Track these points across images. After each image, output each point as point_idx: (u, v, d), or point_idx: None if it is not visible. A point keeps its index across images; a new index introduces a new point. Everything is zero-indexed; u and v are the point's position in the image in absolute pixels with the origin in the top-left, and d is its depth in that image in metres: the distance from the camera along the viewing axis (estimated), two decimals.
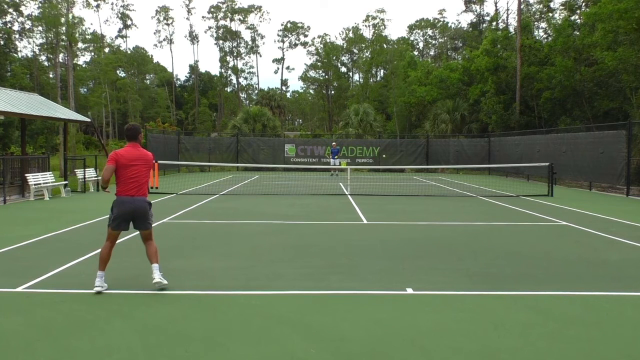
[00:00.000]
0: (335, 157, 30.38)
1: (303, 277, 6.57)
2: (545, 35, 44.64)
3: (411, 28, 78.26)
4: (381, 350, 4.19)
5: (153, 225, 6.11)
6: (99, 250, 7.92)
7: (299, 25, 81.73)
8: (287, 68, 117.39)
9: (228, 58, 79.41)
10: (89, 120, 22.68)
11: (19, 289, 5.87)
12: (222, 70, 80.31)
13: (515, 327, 4.74)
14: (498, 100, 34.16)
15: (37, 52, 64.99)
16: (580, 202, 15.77)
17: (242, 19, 79.73)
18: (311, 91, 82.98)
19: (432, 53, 78.04)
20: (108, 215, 6.08)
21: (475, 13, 69.44)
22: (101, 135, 67.33)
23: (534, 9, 51.93)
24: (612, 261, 7.53)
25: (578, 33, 30.59)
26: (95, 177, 19.66)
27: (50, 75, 64.10)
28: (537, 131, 27.65)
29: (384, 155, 34.37)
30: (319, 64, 76.27)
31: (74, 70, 49.88)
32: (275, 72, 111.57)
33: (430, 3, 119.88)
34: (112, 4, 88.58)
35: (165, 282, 5.83)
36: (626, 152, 17.95)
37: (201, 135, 49.73)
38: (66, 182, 17.69)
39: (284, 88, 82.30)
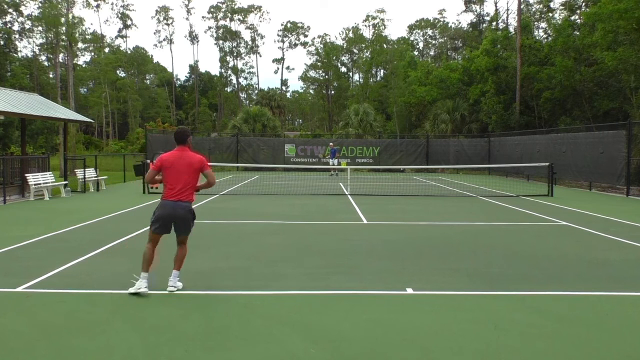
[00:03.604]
0: (334, 157, 30.35)
1: (303, 277, 6.57)
2: (545, 35, 44.67)
3: (411, 28, 78.34)
4: (381, 351, 4.19)
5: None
6: (99, 250, 7.96)
7: (299, 25, 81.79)
8: (287, 68, 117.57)
9: (228, 58, 79.46)
10: (89, 120, 22.68)
11: (19, 289, 5.87)
12: (222, 70, 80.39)
13: (515, 327, 4.74)
14: (498, 100, 34.17)
15: (37, 52, 65.05)
16: (580, 202, 15.77)
17: (242, 19, 79.78)
18: (311, 91, 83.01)
19: (432, 53, 78.08)
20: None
21: (475, 13, 69.50)
22: (101, 135, 67.38)
23: (534, 9, 51.99)
24: (612, 261, 7.53)
25: (578, 33, 30.61)
26: (95, 177, 19.66)
27: (50, 75, 64.12)
28: (537, 131, 27.64)
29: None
30: (319, 64, 76.29)
31: (74, 70, 49.89)
32: (275, 72, 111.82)
33: (430, 3, 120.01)
34: (112, 4, 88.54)
35: (179, 286, 5.81)
36: (626, 152, 17.95)
37: (201, 135, 49.72)
38: (66, 182, 17.69)
39: (284, 88, 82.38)
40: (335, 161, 30.18)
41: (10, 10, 54.88)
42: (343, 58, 75.29)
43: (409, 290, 5.91)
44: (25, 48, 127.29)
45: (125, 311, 5.15)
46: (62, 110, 20.84)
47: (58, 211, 12.97)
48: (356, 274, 6.72)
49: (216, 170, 33.44)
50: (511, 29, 44.17)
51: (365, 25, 75.52)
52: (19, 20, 56.95)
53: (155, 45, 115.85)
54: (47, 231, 9.67)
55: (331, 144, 32.05)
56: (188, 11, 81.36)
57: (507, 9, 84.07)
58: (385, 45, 65.21)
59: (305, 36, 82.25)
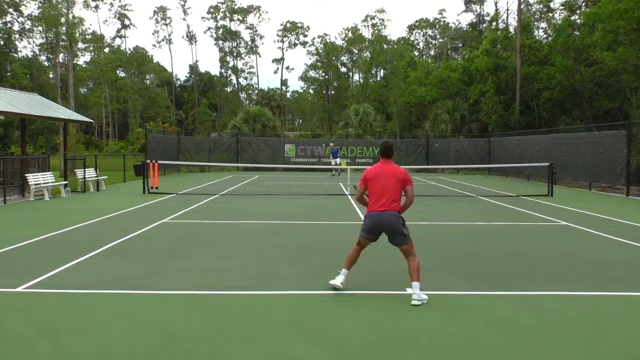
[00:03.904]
0: (336, 157, 30.20)
1: (303, 277, 6.57)
2: (545, 35, 44.67)
3: (411, 28, 78.33)
4: (381, 351, 4.19)
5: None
6: (99, 250, 7.96)
7: (299, 25, 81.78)
8: (287, 68, 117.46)
9: (228, 58, 79.46)
10: (89, 120, 22.68)
11: (19, 289, 5.87)
12: (222, 70, 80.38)
13: (515, 327, 4.74)
14: (498, 100, 34.17)
15: (37, 52, 65.07)
16: (580, 202, 15.77)
17: (241, 19, 79.76)
18: (311, 91, 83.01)
19: (432, 53, 78.10)
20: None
21: (475, 13, 69.54)
22: (101, 135, 67.36)
23: (534, 9, 51.98)
24: (612, 261, 7.53)
25: (578, 33, 30.61)
26: (95, 177, 19.66)
27: (50, 75, 64.13)
28: (537, 131, 27.65)
29: None
30: (318, 64, 76.29)
31: (74, 70, 49.88)
32: (275, 72, 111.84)
33: (430, 3, 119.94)
34: (110, 4, 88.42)
35: (419, 300, 5.42)
36: (626, 152, 17.95)
37: (201, 135, 49.75)
38: (66, 182, 17.69)
39: (283, 88, 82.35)
40: (338, 160, 30.07)
41: (10, 10, 54.92)
42: (343, 58, 75.32)
43: (409, 290, 5.90)
44: (25, 48, 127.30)
45: (125, 311, 5.15)
46: (62, 110, 20.84)
47: (58, 211, 12.97)
48: (356, 274, 6.71)
49: (216, 170, 33.51)
50: (511, 29, 44.19)
51: (365, 26, 75.57)
52: (19, 20, 57.07)
53: (155, 45, 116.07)
54: (47, 231, 9.67)
55: (332, 144, 32.00)
56: (184, 12, 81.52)
57: (507, 9, 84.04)
58: (385, 46, 65.20)
59: (305, 36, 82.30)
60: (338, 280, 5.83)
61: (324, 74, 76.28)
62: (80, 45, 63.19)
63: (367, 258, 7.66)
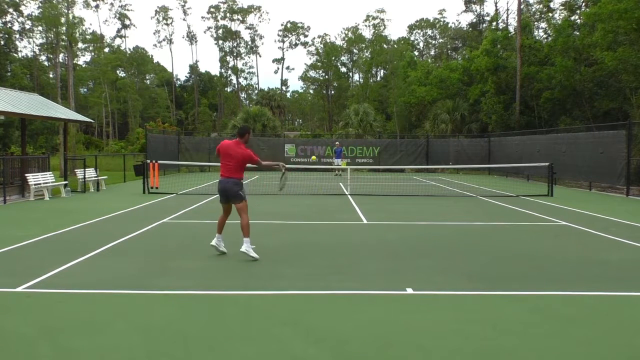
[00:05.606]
0: (340, 157, 29.99)
1: (303, 277, 6.57)
2: (545, 35, 44.67)
3: (411, 28, 78.29)
4: (381, 351, 4.19)
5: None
6: (99, 250, 7.96)
7: (299, 25, 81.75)
8: (287, 68, 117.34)
9: (228, 58, 79.44)
10: (89, 120, 22.67)
11: (19, 289, 5.87)
12: (222, 70, 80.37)
13: (515, 327, 4.74)
14: (498, 100, 34.18)
15: (37, 52, 65.05)
16: (580, 202, 15.77)
17: (241, 19, 79.73)
18: (311, 91, 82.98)
19: (432, 53, 78.08)
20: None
21: (475, 13, 69.42)
22: (101, 135, 67.34)
23: (534, 9, 51.97)
24: (612, 261, 7.53)
25: (578, 33, 30.62)
26: (95, 177, 19.65)
27: (50, 75, 64.12)
28: (537, 131, 27.65)
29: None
30: (319, 64, 76.27)
31: (74, 70, 49.86)
32: (275, 72, 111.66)
33: (430, 3, 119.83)
34: (110, 4, 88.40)
35: (248, 254, 7.29)
36: (626, 152, 17.95)
37: (201, 135, 49.74)
38: (66, 182, 17.69)
39: (284, 88, 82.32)
40: (339, 161, 29.99)
41: (10, 10, 54.93)
42: (343, 58, 75.28)
43: (409, 290, 5.91)
44: (25, 48, 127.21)
45: (125, 311, 5.15)
46: (62, 110, 20.84)
47: (58, 211, 12.97)
48: (356, 274, 6.72)
49: (216, 170, 33.39)
50: (511, 29, 44.19)
51: (366, 25, 75.55)
52: (19, 20, 57.08)
53: (155, 45, 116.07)
54: (47, 231, 9.66)
55: (337, 143, 31.83)
56: (184, 12, 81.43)
57: (507, 9, 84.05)
58: (385, 46, 65.18)
59: (305, 36, 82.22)
60: (213, 241, 7.63)
61: (324, 74, 76.24)
62: (80, 45, 63.09)
63: (367, 258, 7.67)
